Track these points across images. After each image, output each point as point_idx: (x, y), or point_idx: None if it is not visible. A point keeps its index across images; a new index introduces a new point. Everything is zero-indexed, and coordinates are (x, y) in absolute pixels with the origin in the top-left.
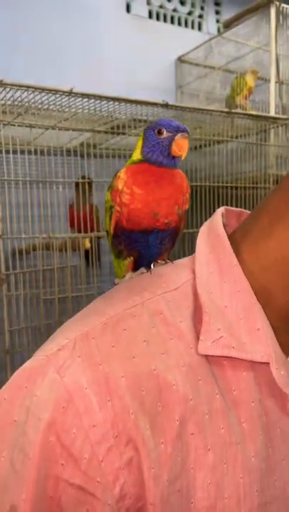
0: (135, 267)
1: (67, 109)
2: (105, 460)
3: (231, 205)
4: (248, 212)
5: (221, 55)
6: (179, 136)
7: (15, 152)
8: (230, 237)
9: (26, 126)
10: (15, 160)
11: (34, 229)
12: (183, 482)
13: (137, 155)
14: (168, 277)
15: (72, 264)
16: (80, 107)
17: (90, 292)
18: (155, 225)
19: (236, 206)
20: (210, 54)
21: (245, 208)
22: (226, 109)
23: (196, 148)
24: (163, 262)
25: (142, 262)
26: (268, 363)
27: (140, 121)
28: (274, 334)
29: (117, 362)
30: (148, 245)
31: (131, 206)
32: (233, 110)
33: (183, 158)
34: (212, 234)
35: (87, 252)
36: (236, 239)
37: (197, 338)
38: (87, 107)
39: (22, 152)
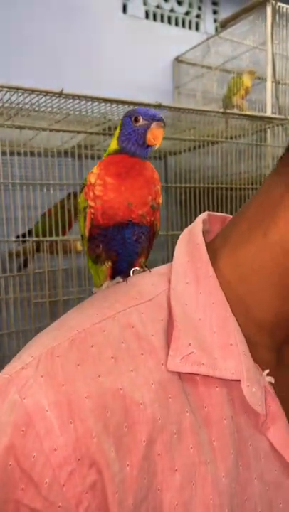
0: (113, 274)
1: (58, 111)
2: (67, 484)
3: (227, 207)
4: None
5: (218, 55)
6: (154, 125)
7: (4, 154)
8: (210, 244)
9: (16, 127)
10: (4, 161)
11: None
12: (149, 504)
13: (114, 144)
14: (143, 287)
15: (63, 268)
16: (72, 108)
17: (81, 295)
18: (130, 217)
19: (232, 208)
20: (207, 54)
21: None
22: (221, 110)
23: (190, 149)
24: (141, 269)
25: (120, 266)
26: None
27: None
28: (249, 349)
29: (82, 382)
30: (124, 243)
31: (104, 197)
32: (228, 110)
33: (157, 147)
34: (191, 241)
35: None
36: (215, 246)
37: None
38: (78, 109)
39: (12, 154)
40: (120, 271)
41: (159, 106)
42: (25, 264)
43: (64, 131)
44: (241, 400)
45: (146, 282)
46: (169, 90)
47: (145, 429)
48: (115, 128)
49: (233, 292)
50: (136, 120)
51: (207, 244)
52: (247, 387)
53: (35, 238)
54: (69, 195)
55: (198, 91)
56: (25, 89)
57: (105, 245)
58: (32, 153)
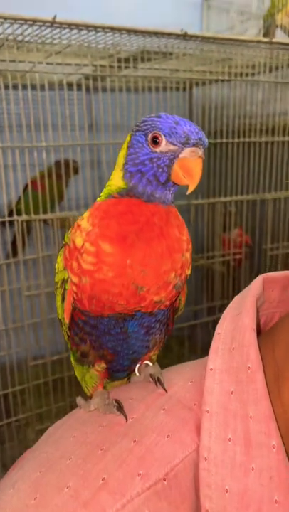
0: (108, 375)
1: (58, 41)
2: None
3: (265, 162)
4: None
5: None
6: (188, 154)
7: None
8: (267, 343)
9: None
10: None
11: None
12: None
13: (116, 178)
14: (151, 441)
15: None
16: (65, 38)
17: None
18: (138, 305)
19: (272, 160)
20: None
21: (282, 165)
22: (261, 37)
23: (222, 80)
24: (151, 365)
25: (119, 366)
26: None
27: (154, 53)
28: None
29: None
30: (127, 338)
31: (97, 275)
32: (273, 40)
33: (190, 190)
34: (238, 351)
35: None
36: (277, 356)
37: None
38: (75, 39)
39: (6, 87)
40: (119, 370)
41: (184, 36)
42: (14, 251)
43: (58, 64)
44: None
45: (158, 427)
46: (197, 3)
47: None
48: (126, 60)
49: None
50: (155, 142)
51: (263, 339)
52: None
53: (25, 217)
54: (57, 162)
55: (233, 4)
56: (6, 18)
57: (95, 340)
58: (24, 87)
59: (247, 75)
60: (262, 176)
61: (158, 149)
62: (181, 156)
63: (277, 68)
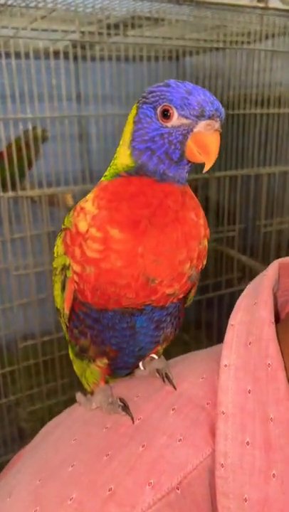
0: (111, 372)
1: (34, 4)
2: None
3: (260, 135)
4: None
5: None
6: (203, 128)
7: None
8: (284, 341)
9: None
10: None
11: None
12: None
13: (123, 156)
14: (161, 444)
15: (50, 230)
16: (50, 1)
17: None
18: (148, 299)
19: (267, 134)
20: None
21: (278, 138)
22: (258, 4)
23: (217, 49)
24: (156, 357)
25: (123, 363)
26: None
27: (145, 18)
28: None
29: None
30: (134, 334)
31: (103, 264)
32: (269, 5)
33: (207, 168)
34: (256, 347)
35: None
36: None
37: None
38: (61, 2)
39: None
40: (122, 368)
41: None
42: None
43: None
44: None
45: (168, 430)
46: None
47: None
48: (116, 26)
49: None
50: (165, 116)
51: (278, 331)
52: None
53: (11, 194)
54: (26, 131)
55: None
56: None
57: (96, 335)
58: (8, 55)
59: (242, 43)
60: (256, 150)
61: (169, 124)
62: (195, 130)
63: (273, 36)
